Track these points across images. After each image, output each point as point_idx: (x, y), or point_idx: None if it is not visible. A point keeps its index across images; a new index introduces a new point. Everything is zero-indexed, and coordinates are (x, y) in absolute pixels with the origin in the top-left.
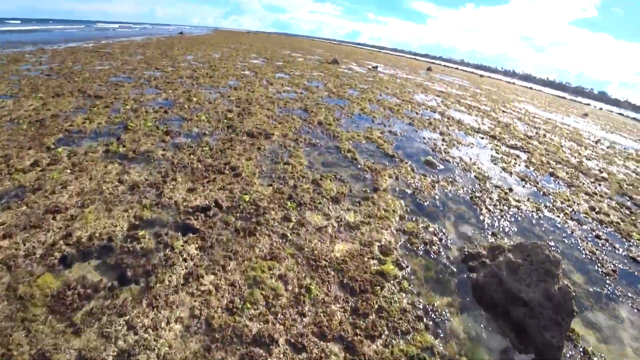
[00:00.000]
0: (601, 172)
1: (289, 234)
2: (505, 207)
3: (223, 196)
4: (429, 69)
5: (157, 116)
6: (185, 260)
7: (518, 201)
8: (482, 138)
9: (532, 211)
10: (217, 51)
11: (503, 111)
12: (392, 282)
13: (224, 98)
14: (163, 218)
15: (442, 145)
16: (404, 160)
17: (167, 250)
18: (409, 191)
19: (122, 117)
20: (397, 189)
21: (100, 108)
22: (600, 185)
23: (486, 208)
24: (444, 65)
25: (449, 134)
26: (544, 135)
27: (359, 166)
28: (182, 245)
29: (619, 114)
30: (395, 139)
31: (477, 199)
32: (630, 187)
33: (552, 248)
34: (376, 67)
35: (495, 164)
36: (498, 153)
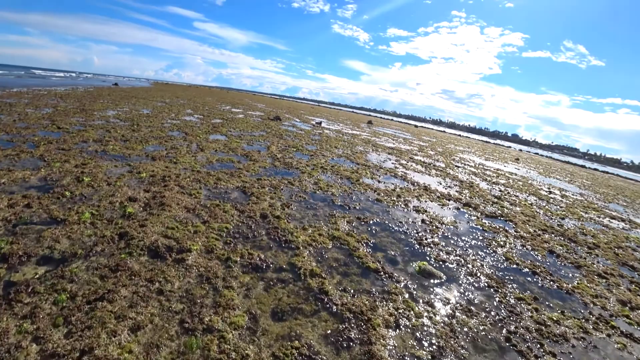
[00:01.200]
0: (584, 234)
1: None
2: (551, 341)
3: None
4: (369, 122)
5: (8, 215)
6: None
7: (557, 322)
8: (458, 208)
9: (581, 337)
10: (148, 106)
11: (456, 166)
12: None
13: (132, 174)
14: None
15: (426, 232)
16: (393, 276)
17: None
18: (427, 357)
19: None
20: (406, 356)
21: None
22: (597, 255)
23: (532, 353)
24: (381, 117)
25: (425, 210)
26: (508, 193)
27: (334, 309)
28: None
29: (535, 153)
30: (368, 231)
31: (513, 336)
32: (622, 252)
33: None
34: (320, 122)
35: (493, 251)
36: (485, 230)
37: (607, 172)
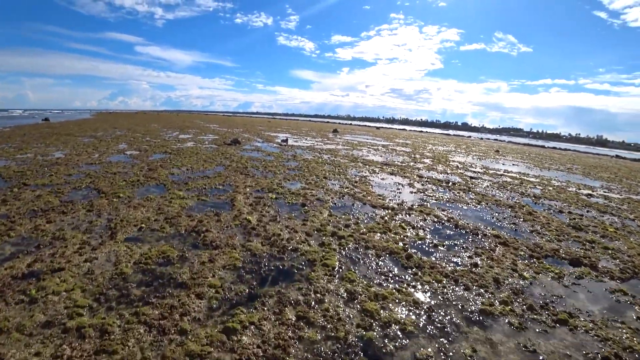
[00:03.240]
0: None
1: None
2: None
3: None
4: (335, 130)
5: None
6: None
7: None
8: (581, 276)
9: None
10: (68, 145)
11: (473, 178)
12: None
13: None
14: None
15: None
16: None
17: None
18: None
19: None
20: None
21: None
22: None
23: None
24: (340, 123)
25: (570, 314)
26: (572, 215)
27: None
28: None
29: (496, 140)
30: None
31: None
32: None
33: None
34: (286, 139)
35: None
36: None
37: (568, 150)
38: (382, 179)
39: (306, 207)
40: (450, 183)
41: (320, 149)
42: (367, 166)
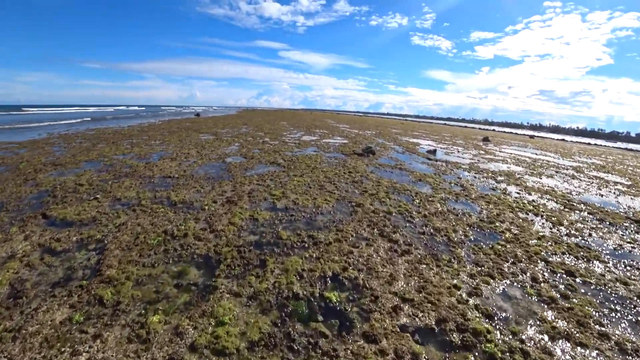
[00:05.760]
0: None
1: None
2: None
3: None
4: (486, 139)
5: None
6: None
7: None
8: None
9: None
10: (181, 144)
11: None
12: None
13: None
14: None
15: None
16: None
17: None
18: None
19: None
20: None
21: None
22: None
23: None
24: (479, 129)
25: None
26: None
27: None
28: None
29: None
30: None
31: None
32: None
33: None
34: (433, 150)
35: None
36: None
37: None
38: None
39: None
40: None
41: (490, 171)
42: (615, 230)
